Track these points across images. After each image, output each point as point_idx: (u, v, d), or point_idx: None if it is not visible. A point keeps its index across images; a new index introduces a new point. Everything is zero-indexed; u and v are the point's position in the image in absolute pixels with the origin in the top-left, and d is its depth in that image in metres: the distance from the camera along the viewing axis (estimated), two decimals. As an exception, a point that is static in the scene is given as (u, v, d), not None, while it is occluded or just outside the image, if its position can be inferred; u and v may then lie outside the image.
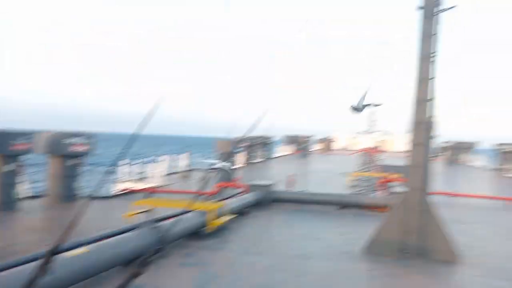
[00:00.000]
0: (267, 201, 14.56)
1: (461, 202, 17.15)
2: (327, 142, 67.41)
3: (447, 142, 47.79)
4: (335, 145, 76.64)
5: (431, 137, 9.15)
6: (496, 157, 39.58)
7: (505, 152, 36.83)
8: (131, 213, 10.35)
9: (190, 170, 24.13)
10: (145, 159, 20.76)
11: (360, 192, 18.50)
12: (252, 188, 14.94)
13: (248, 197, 13.67)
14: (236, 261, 8.07)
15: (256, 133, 37.09)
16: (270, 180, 18.07)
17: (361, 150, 62.89)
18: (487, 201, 17.74)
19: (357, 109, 10.71)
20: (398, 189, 14.64)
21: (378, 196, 16.72)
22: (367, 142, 77.32)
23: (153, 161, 19.97)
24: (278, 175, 24.27)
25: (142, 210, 11.06)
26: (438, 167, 39.18)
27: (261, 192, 14.59)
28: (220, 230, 10.38)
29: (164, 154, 22.83)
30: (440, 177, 28.64)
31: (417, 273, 7.81)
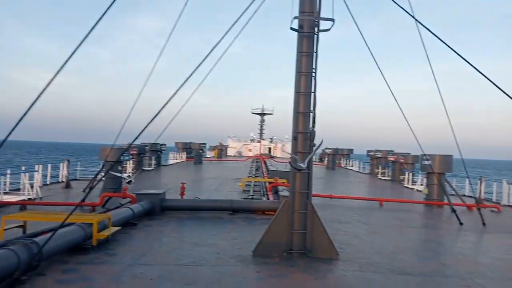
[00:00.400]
0: (157, 210, 14.16)
1: (340, 203, 18.71)
2: (220, 149, 68.13)
3: (327, 148, 51.83)
4: (228, 152, 77.96)
5: (312, 146, 9.82)
6: (369, 162, 44.09)
7: (376, 158, 41.26)
8: (1, 229, 9.23)
9: (71, 180, 22.37)
10: (19, 169, 18.67)
11: (251, 197, 19.03)
12: (141, 197, 14.39)
13: (137, 207, 13.12)
14: (122, 273, 7.66)
15: (146, 140, 35.90)
16: (161, 188, 17.62)
17: (252, 157, 65.00)
18: (363, 202, 19.63)
19: (301, 167, 11.21)
20: (285, 193, 15.42)
21: (267, 200, 17.38)
22: (257, 149, 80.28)
23: (28, 170, 18.06)
24: (170, 183, 23.80)
25: (14, 225, 9.96)
26: (319, 171, 42.26)
27: (151, 201, 14.13)
28: (106, 243, 9.79)
29: (40, 163, 20.82)
30: (321, 181, 30.92)
31: (301, 272, 8.27)
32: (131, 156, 25.17)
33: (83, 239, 9.06)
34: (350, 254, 9.76)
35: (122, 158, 18.97)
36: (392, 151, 37.92)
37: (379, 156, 40.33)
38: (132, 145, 28.91)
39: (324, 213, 10.95)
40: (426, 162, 19.36)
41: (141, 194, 14.59)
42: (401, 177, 32.69)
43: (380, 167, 39.20)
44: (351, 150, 56.48)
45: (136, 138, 8.21)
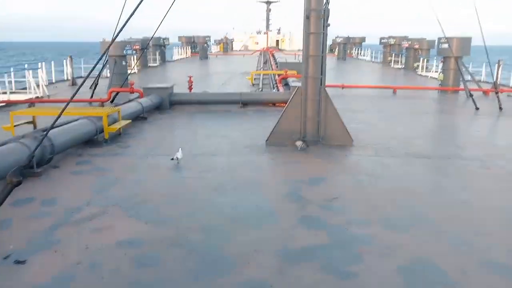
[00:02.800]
0: (166, 104, 13.94)
1: (353, 92, 18.27)
2: (225, 43, 65.95)
3: (338, 37, 49.73)
4: (233, 46, 75.60)
5: (326, 26, 9.04)
6: (382, 51, 42.46)
7: (389, 45, 39.55)
8: (10, 125, 9.13)
9: (77, 78, 21.95)
10: (22, 67, 18.18)
11: (261, 89, 18.62)
12: (149, 91, 14.07)
13: (146, 101, 12.88)
14: (137, 164, 7.66)
15: (148, 35, 34.42)
16: (169, 83, 17.20)
17: (259, 50, 63.03)
18: (376, 90, 19.16)
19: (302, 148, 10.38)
20: (296, 83, 14.95)
21: (278, 92, 16.99)
22: (264, 41, 77.57)
23: (31, 69, 17.57)
24: (177, 78, 23.29)
25: (23, 121, 9.86)
26: (330, 62, 41.06)
27: (159, 96, 13.84)
28: (118, 137, 9.75)
29: (42, 61, 20.20)
30: (332, 72, 30.11)
31: (315, 157, 8.21)
32: (134, 51, 24.25)
33: (94, 132, 8.96)
34: (364, 140, 9.62)
35: (125, 52, 18.22)
36: (407, 37, 36.12)
37: (393, 43, 38.58)
38: (134, 40, 27.64)
39: (337, 103, 10.55)
40: (444, 46, 18.33)
41: (149, 89, 14.25)
42: (415, 64, 31.58)
43: (393, 55, 37.77)
44: (363, 39, 54.17)
45: (124, 25, 7.17)
